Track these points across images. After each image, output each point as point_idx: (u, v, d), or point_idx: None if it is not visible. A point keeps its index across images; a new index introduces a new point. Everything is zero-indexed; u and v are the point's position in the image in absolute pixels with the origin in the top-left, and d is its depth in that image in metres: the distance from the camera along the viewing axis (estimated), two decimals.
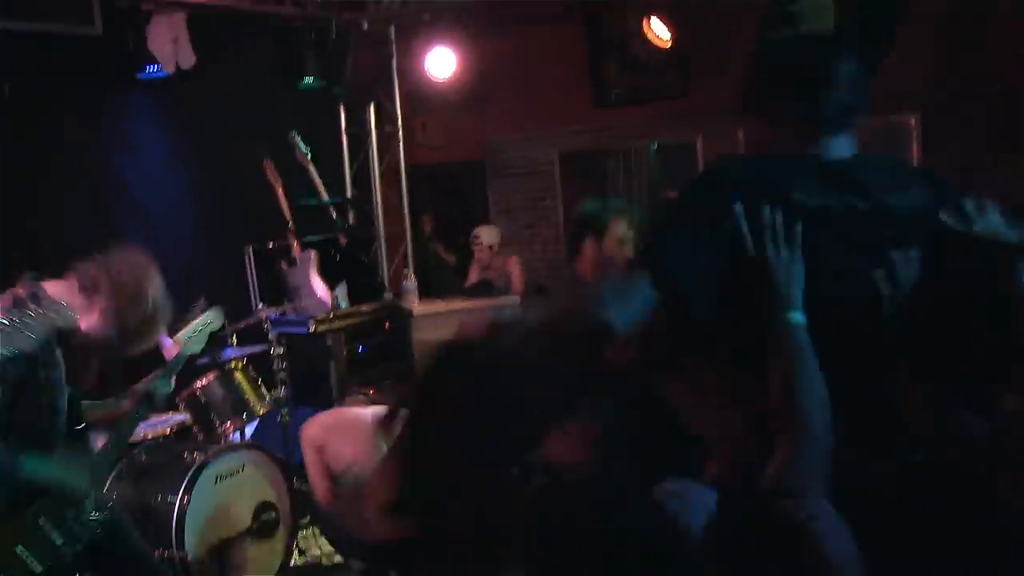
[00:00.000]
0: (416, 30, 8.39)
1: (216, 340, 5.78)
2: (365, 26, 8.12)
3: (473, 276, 8.04)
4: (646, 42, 6.98)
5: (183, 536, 4.65)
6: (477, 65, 8.33)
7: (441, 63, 8.02)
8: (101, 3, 6.25)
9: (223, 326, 5.13)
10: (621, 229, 4.95)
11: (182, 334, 4.97)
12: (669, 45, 6.77)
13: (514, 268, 7.92)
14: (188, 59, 6.76)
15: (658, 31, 6.76)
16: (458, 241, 9.08)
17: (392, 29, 8.47)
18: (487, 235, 7.99)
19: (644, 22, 6.76)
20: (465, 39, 8.08)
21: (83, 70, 6.58)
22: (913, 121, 7.08)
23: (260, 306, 6.35)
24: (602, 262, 4.94)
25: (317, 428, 4.84)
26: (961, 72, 6.59)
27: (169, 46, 6.67)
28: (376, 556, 4.69)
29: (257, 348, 6.06)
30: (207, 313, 4.77)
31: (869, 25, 2.16)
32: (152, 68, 6.67)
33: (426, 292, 7.85)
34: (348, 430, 4.78)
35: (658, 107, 8.60)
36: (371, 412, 4.93)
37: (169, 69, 6.67)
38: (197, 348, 4.65)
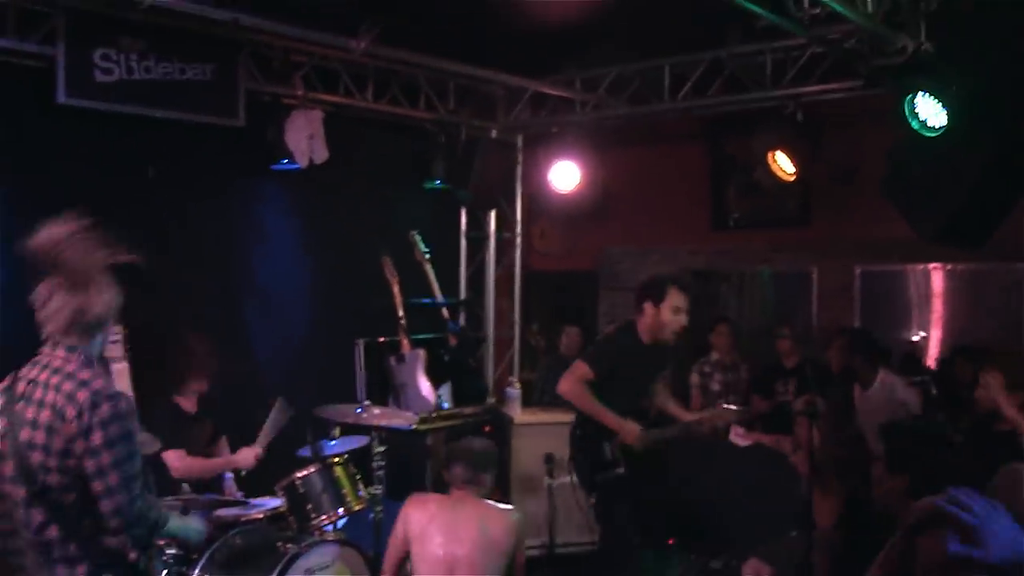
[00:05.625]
0: (543, 140, 8.56)
1: (320, 433, 5.89)
2: (494, 133, 8.33)
3: None
4: (769, 172, 6.98)
5: None
6: (599, 177, 8.41)
7: (565, 176, 8.13)
8: (246, 97, 6.58)
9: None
10: (678, 299, 5.46)
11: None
12: (793, 179, 6.76)
13: None
14: (321, 154, 7.00)
15: (783, 165, 6.76)
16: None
17: (520, 138, 8.66)
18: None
19: (770, 156, 6.77)
20: (590, 152, 8.18)
21: (222, 159, 6.89)
22: None
23: (366, 402, 6.41)
24: (656, 325, 5.60)
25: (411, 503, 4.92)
26: None
27: (305, 141, 6.91)
28: None
29: (358, 442, 6.11)
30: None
31: None
32: (285, 161, 6.92)
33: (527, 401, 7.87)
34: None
35: (777, 234, 8.57)
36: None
37: (302, 164, 6.90)
38: None
